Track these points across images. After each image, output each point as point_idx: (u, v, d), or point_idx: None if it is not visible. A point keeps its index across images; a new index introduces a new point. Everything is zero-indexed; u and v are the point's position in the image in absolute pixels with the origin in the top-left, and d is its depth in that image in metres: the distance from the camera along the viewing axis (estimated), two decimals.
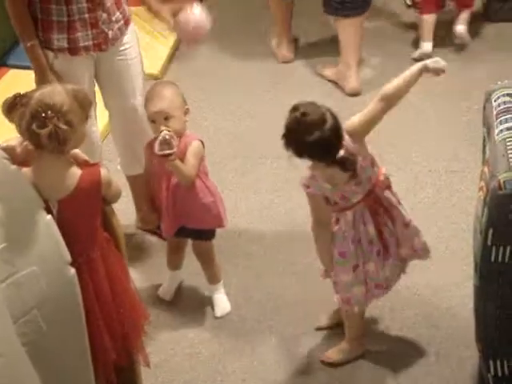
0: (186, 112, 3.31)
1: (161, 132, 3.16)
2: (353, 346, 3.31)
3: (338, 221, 3.05)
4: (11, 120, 2.54)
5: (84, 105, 2.60)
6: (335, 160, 2.85)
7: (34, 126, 2.48)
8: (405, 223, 3.14)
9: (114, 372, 2.91)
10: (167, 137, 3.11)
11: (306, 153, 2.85)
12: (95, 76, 3.59)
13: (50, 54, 3.43)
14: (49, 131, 2.49)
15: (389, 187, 3.10)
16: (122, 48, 3.56)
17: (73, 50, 3.43)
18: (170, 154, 3.13)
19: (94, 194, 2.66)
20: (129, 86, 3.61)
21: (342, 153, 2.85)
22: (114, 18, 3.47)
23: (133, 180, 3.87)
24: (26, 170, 2.58)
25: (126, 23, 3.56)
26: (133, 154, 3.74)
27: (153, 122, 3.25)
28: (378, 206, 3.06)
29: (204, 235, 3.48)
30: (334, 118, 2.85)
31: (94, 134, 3.64)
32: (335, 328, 3.40)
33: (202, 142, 3.31)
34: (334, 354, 3.31)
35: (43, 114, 2.48)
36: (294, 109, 2.84)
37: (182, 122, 3.28)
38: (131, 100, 3.61)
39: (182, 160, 3.23)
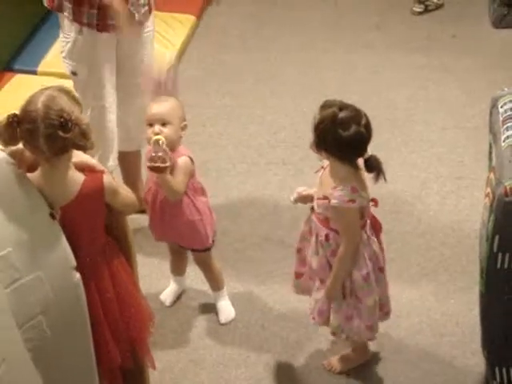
0: (184, 128, 3.30)
1: (154, 137, 3.15)
2: (358, 354, 3.30)
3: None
4: (10, 142, 2.51)
5: (74, 97, 2.59)
6: (356, 161, 2.84)
7: (60, 133, 2.46)
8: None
9: (122, 376, 2.91)
10: (160, 153, 3.10)
11: (340, 149, 2.81)
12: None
13: (76, 28, 3.48)
14: (78, 130, 2.48)
15: None
16: (143, 32, 3.67)
17: (101, 26, 3.47)
18: (161, 169, 3.12)
19: (96, 200, 2.65)
20: (141, 66, 3.69)
21: (369, 152, 2.85)
22: (141, 2, 3.54)
23: (124, 157, 3.92)
24: (31, 175, 2.57)
25: (150, 10, 3.65)
26: (127, 129, 3.79)
27: (150, 125, 3.24)
28: (376, 223, 3.05)
29: (199, 249, 3.47)
30: (366, 115, 2.84)
31: (111, 123, 3.70)
32: None
33: (191, 159, 3.29)
34: (339, 363, 3.29)
35: (62, 119, 2.46)
36: (328, 105, 2.82)
37: (178, 135, 3.27)
38: (138, 78, 3.69)
39: (171, 174, 3.21)
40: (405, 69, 5.11)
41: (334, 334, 3.13)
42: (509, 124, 2.87)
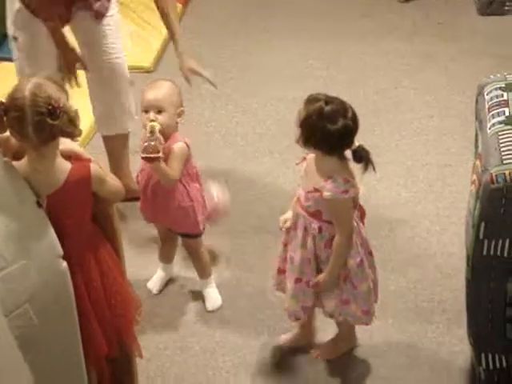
0: (180, 114, 3.29)
1: (149, 124, 3.15)
2: (345, 341, 3.31)
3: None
4: (0, 130, 2.51)
5: (61, 85, 2.59)
6: (344, 153, 2.86)
7: (48, 120, 2.45)
8: None
9: (110, 364, 2.92)
10: (152, 143, 3.09)
11: (329, 143, 2.81)
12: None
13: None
14: (67, 118, 2.48)
15: None
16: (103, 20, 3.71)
17: (36, 13, 3.55)
18: (153, 159, 3.12)
19: (83, 188, 2.64)
20: (107, 51, 3.73)
21: (356, 143, 2.86)
22: None
23: (107, 141, 3.95)
24: (17, 163, 2.56)
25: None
26: (105, 114, 3.83)
27: (145, 111, 3.23)
28: (360, 208, 3.06)
29: (189, 235, 3.48)
30: (352, 108, 2.84)
31: None
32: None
33: (187, 144, 3.29)
34: (327, 350, 3.30)
35: (50, 106, 2.45)
36: (313, 100, 2.82)
37: (174, 121, 3.26)
38: (106, 64, 3.73)
39: (167, 160, 3.21)
40: (391, 56, 5.12)
41: (331, 316, 3.14)
42: (494, 111, 2.87)
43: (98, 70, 3.77)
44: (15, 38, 3.68)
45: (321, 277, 3.01)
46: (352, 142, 2.85)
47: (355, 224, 2.97)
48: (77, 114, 2.53)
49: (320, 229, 2.95)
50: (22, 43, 3.67)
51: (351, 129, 2.81)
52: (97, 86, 3.82)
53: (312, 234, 2.98)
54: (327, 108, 2.78)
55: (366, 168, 2.88)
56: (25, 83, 2.49)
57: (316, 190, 2.89)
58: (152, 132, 3.12)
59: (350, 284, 3.02)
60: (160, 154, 3.10)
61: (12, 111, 2.46)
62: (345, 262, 2.98)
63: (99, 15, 3.67)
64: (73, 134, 2.54)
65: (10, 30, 3.70)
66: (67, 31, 3.72)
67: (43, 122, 2.45)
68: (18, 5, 3.58)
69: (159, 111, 3.21)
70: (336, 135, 2.79)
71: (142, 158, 3.14)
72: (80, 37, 3.75)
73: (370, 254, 3.08)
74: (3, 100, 2.49)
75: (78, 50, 3.71)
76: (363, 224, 3.06)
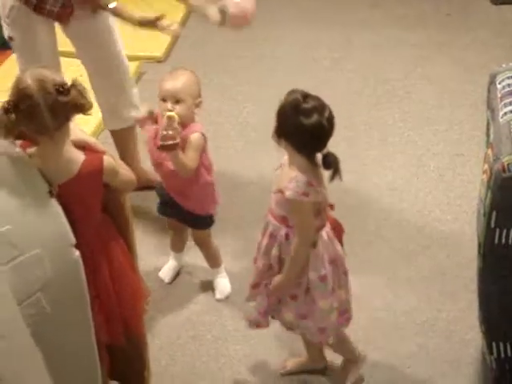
0: (198, 105, 3.28)
1: (167, 113, 3.15)
2: (314, 359, 3.23)
3: (314, 244, 2.84)
4: (12, 130, 2.50)
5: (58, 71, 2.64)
6: (315, 156, 2.74)
7: (61, 98, 2.46)
8: None
9: (121, 353, 2.94)
10: (170, 132, 3.08)
11: (299, 137, 2.72)
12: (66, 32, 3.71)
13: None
14: (77, 90, 2.49)
15: None
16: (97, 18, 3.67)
17: (38, 9, 3.51)
18: (170, 147, 3.11)
19: (95, 180, 2.65)
20: (107, 46, 3.74)
21: (325, 150, 2.73)
22: None
23: (116, 135, 3.95)
24: (29, 152, 2.57)
25: None
26: (110, 109, 3.82)
27: (163, 100, 3.23)
28: (337, 226, 2.95)
29: (199, 225, 3.48)
30: (331, 111, 2.73)
31: None
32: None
33: (204, 135, 3.28)
34: (292, 363, 3.24)
35: (63, 83, 2.47)
36: (294, 92, 2.76)
37: (191, 112, 3.25)
38: (106, 61, 3.74)
39: (183, 150, 3.21)
40: (401, 46, 5.12)
41: (290, 328, 3.06)
42: (507, 100, 2.87)
43: (97, 62, 3.77)
44: (11, 38, 3.65)
45: (276, 278, 2.91)
46: (324, 145, 2.73)
47: (326, 238, 2.86)
48: (82, 85, 2.54)
49: (287, 236, 2.86)
50: (19, 43, 3.65)
51: (325, 129, 2.70)
52: (98, 81, 3.81)
53: (279, 241, 2.88)
54: (304, 102, 2.71)
55: (333, 176, 2.76)
56: (22, 76, 2.49)
57: (280, 191, 2.81)
58: (170, 122, 3.11)
59: (310, 297, 2.91)
60: (177, 141, 3.09)
61: (22, 103, 2.46)
62: (305, 272, 2.86)
63: (96, 8, 3.62)
64: (85, 105, 2.54)
65: (6, 30, 3.66)
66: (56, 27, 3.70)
67: (56, 102, 2.46)
68: (10, 3, 3.54)
69: (177, 101, 3.21)
70: (308, 130, 2.69)
71: (160, 146, 3.13)
72: (76, 30, 3.70)
73: (345, 273, 2.95)
74: (9, 98, 2.49)
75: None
76: (340, 242, 2.94)
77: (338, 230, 2.94)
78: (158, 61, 5.03)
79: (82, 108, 2.54)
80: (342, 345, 3.14)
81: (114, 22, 3.75)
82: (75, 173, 2.60)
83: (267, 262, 2.93)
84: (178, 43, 5.22)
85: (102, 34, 3.71)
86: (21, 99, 2.46)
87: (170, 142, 3.08)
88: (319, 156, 2.76)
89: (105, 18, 3.68)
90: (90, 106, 2.58)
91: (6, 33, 3.66)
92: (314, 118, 2.68)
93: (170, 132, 3.07)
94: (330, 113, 2.73)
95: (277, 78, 4.88)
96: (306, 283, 2.89)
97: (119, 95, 3.74)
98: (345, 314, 3.00)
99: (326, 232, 2.87)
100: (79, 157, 2.61)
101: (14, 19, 3.58)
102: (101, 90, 3.83)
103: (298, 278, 2.88)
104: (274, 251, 2.90)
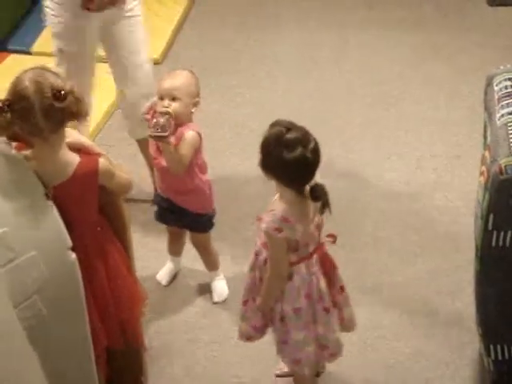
0: (196, 104, 3.29)
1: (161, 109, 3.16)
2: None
3: (290, 276, 2.80)
4: (5, 129, 2.51)
5: (56, 73, 2.59)
6: (303, 188, 2.67)
7: (56, 104, 2.46)
8: (341, 287, 2.92)
9: (118, 355, 2.94)
10: (162, 120, 3.09)
11: (283, 171, 2.65)
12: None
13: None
14: (74, 98, 2.49)
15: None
16: (130, 16, 3.67)
17: (84, 4, 3.48)
18: (160, 137, 3.11)
19: (90, 182, 2.65)
20: (134, 53, 3.71)
21: (313, 182, 2.67)
22: None
23: (141, 144, 3.91)
24: (25, 153, 2.57)
25: None
26: (137, 117, 3.76)
27: (161, 98, 3.24)
28: (327, 262, 2.85)
29: (199, 228, 3.48)
30: (316, 142, 2.66)
31: None
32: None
33: (199, 134, 3.28)
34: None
35: (60, 88, 2.47)
36: (277, 123, 2.68)
37: (188, 111, 3.26)
38: (132, 67, 3.72)
39: (177, 146, 3.20)
40: (398, 47, 5.11)
41: (278, 352, 3.03)
42: (504, 102, 2.87)
43: (125, 74, 3.77)
44: (61, 51, 3.65)
45: (258, 299, 2.90)
46: (310, 176, 2.66)
47: (304, 272, 2.79)
48: (80, 93, 2.54)
49: (266, 261, 2.83)
50: (68, 54, 3.64)
51: (309, 161, 2.62)
52: (126, 93, 3.81)
53: (259, 264, 2.86)
54: (288, 134, 2.62)
55: (322, 209, 2.71)
56: (22, 76, 2.50)
57: (259, 219, 2.77)
58: (163, 115, 3.12)
59: (284, 327, 2.89)
60: (167, 133, 3.09)
61: (17, 103, 2.46)
62: (278, 300, 2.84)
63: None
64: (81, 113, 2.54)
65: (54, 43, 3.66)
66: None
67: (51, 106, 2.46)
68: (58, 19, 3.57)
69: (173, 99, 3.22)
70: (292, 164, 2.61)
71: (149, 135, 3.14)
72: (108, 32, 3.70)
73: (326, 310, 2.86)
74: (6, 97, 2.49)
75: None
76: (329, 277, 2.86)
77: (326, 266, 2.85)
78: (155, 63, 5.01)
79: (77, 115, 2.54)
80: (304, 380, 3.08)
81: (142, 30, 3.76)
82: (70, 174, 2.60)
83: (254, 278, 2.91)
84: (175, 45, 5.21)
85: (130, 44, 3.71)
86: (17, 100, 2.47)
87: (159, 134, 3.09)
88: (307, 188, 2.69)
89: (133, 24, 3.69)
90: (86, 114, 2.58)
91: (56, 45, 3.66)
92: (298, 151, 2.61)
93: (161, 120, 3.08)
94: (316, 143, 2.65)
95: (275, 79, 4.88)
96: (279, 312, 2.86)
97: (143, 104, 3.68)
98: (325, 349, 2.93)
99: (307, 266, 2.80)
100: (74, 159, 2.61)
101: (64, 31, 3.60)
102: (127, 102, 3.82)
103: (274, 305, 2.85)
104: (256, 272, 2.88)
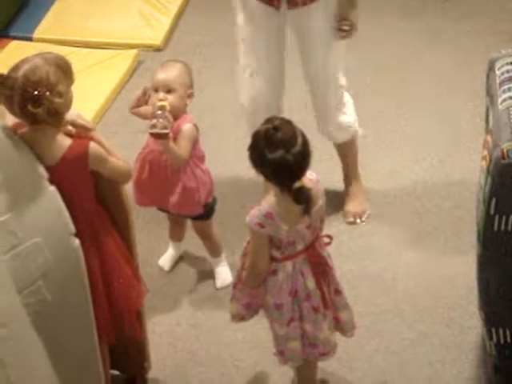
0: (190, 96, 3.29)
1: (158, 102, 3.16)
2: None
3: (275, 272, 2.79)
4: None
5: (66, 70, 2.57)
6: (290, 189, 2.63)
7: (29, 107, 2.47)
8: (336, 290, 2.90)
9: (121, 344, 2.94)
10: (161, 120, 3.10)
11: (263, 169, 2.64)
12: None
13: None
14: (46, 108, 2.48)
15: (325, 245, 2.88)
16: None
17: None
18: (162, 135, 3.11)
19: (80, 166, 2.63)
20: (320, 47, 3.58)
21: (298, 184, 2.63)
22: None
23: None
24: (22, 133, 2.56)
25: None
26: (329, 122, 3.70)
27: (155, 91, 3.24)
28: (318, 263, 2.82)
29: (200, 216, 3.47)
30: (305, 145, 2.63)
31: (258, 92, 3.66)
32: None
33: (196, 126, 3.29)
34: None
35: (35, 93, 2.46)
36: (269, 120, 2.67)
37: (183, 103, 3.27)
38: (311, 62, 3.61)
39: (175, 140, 3.21)
40: (400, 34, 5.09)
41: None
42: (506, 86, 2.86)
43: (313, 69, 3.64)
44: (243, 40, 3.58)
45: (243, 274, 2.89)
46: (292, 178, 2.63)
47: (290, 269, 2.77)
48: (61, 106, 2.52)
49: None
50: (248, 39, 3.56)
51: (288, 164, 2.58)
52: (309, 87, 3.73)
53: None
54: (274, 134, 2.59)
55: (306, 211, 2.67)
56: (24, 63, 2.51)
57: (250, 208, 2.77)
58: (161, 110, 3.12)
59: (269, 318, 2.91)
60: (168, 131, 3.10)
61: (4, 88, 2.48)
62: (265, 291, 2.84)
63: None
64: (54, 124, 2.54)
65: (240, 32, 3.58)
66: None
67: (25, 107, 2.47)
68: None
69: (169, 91, 3.22)
70: (272, 165, 2.60)
71: (151, 134, 3.14)
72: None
73: (315, 309, 2.83)
74: (3, 73, 2.50)
75: None
76: (317, 278, 2.81)
77: (315, 267, 2.81)
78: (157, 49, 5.02)
79: (50, 124, 2.54)
80: (304, 374, 3.07)
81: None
82: (60, 158, 2.59)
83: (243, 266, 2.91)
84: (177, 30, 5.20)
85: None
86: (5, 84, 2.49)
87: (161, 131, 3.09)
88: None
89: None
90: (61, 126, 2.57)
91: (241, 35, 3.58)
92: (279, 153, 2.58)
93: (161, 120, 3.09)
94: (303, 147, 2.61)
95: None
96: (266, 303, 2.86)
97: (324, 108, 3.65)
98: (315, 348, 2.91)
99: (294, 263, 2.78)
100: (65, 142, 2.60)
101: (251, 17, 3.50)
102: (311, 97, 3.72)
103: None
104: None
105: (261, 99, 3.62)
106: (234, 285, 2.99)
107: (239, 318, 3.02)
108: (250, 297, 2.93)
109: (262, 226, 2.69)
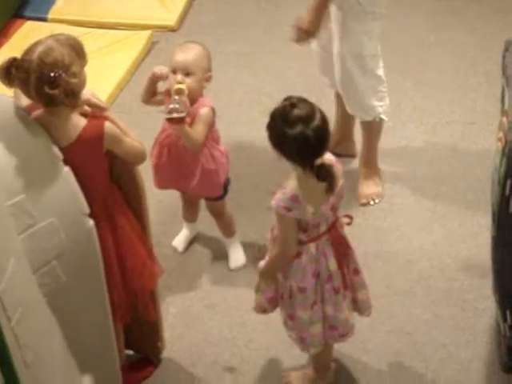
0: (208, 79, 3.27)
1: (176, 85, 3.14)
2: (319, 375, 3.13)
3: (299, 255, 2.77)
4: (9, 85, 2.52)
5: (79, 50, 2.56)
6: (312, 166, 2.61)
7: (46, 89, 2.47)
8: (355, 269, 2.89)
9: (135, 324, 2.94)
10: (177, 105, 3.07)
11: (283, 147, 2.62)
12: None
13: None
14: (63, 89, 2.48)
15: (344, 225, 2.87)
16: None
17: None
18: (178, 120, 3.10)
19: (95, 146, 2.63)
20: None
21: (319, 161, 2.61)
22: None
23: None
24: (35, 114, 2.57)
25: None
26: (354, 100, 3.74)
27: (173, 72, 3.22)
28: (340, 243, 2.81)
29: (211, 197, 3.48)
30: (324, 120, 2.61)
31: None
32: None
33: (213, 109, 3.27)
34: (297, 380, 3.16)
35: (52, 74, 2.46)
36: (287, 98, 2.65)
37: (200, 85, 3.24)
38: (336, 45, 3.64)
39: (192, 124, 3.20)
40: (414, 14, 5.07)
41: (284, 323, 3.02)
42: None
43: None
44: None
45: (261, 265, 2.88)
46: (313, 155, 2.61)
47: (313, 251, 2.77)
48: (77, 86, 2.52)
49: (275, 239, 2.82)
50: None
51: (309, 140, 2.57)
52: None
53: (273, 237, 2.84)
54: (292, 110, 2.59)
55: (328, 189, 2.66)
56: (38, 45, 2.50)
57: (273, 193, 2.74)
58: (179, 94, 3.11)
59: (291, 303, 2.88)
60: (183, 115, 3.09)
61: (20, 71, 2.48)
62: (286, 277, 2.83)
63: None
64: (71, 104, 2.54)
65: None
66: None
67: (42, 89, 2.47)
68: None
69: (187, 74, 3.20)
70: (292, 141, 2.58)
71: (167, 119, 3.13)
72: None
73: (336, 290, 2.83)
74: (17, 57, 2.49)
75: None
76: (340, 259, 2.81)
77: (338, 249, 2.81)
78: (172, 29, 5.01)
79: (68, 105, 2.53)
80: (319, 356, 3.05)
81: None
82: (74, 138, 2.59)
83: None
84: (191, 11, 5.19)
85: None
86: (20, 67, 2.48)
87: (177, 115, 3.08)
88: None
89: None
90: (78, 106, 2.58)
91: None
92: (298, 128, 2.57)
93: (177, 106, 3.07)
94: (322, 122, 2.59)
95: (292, 45, 4.84)
96: (289, 288, 2.85)
97: (352, 90, 3.67)
98: (334, 330, 2.91)
99: (317, 245, 2.78)
100: (80, 122, 2.60)
101: None
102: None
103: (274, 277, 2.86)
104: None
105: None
106: (262, 274, 2.92)
107: (261, 310, 3.03)
108: (275, 291, 2.93)
109: (288, 209, 2.67)
